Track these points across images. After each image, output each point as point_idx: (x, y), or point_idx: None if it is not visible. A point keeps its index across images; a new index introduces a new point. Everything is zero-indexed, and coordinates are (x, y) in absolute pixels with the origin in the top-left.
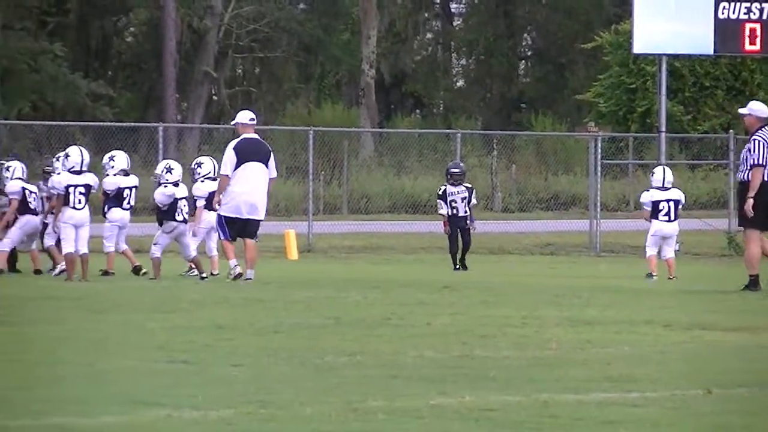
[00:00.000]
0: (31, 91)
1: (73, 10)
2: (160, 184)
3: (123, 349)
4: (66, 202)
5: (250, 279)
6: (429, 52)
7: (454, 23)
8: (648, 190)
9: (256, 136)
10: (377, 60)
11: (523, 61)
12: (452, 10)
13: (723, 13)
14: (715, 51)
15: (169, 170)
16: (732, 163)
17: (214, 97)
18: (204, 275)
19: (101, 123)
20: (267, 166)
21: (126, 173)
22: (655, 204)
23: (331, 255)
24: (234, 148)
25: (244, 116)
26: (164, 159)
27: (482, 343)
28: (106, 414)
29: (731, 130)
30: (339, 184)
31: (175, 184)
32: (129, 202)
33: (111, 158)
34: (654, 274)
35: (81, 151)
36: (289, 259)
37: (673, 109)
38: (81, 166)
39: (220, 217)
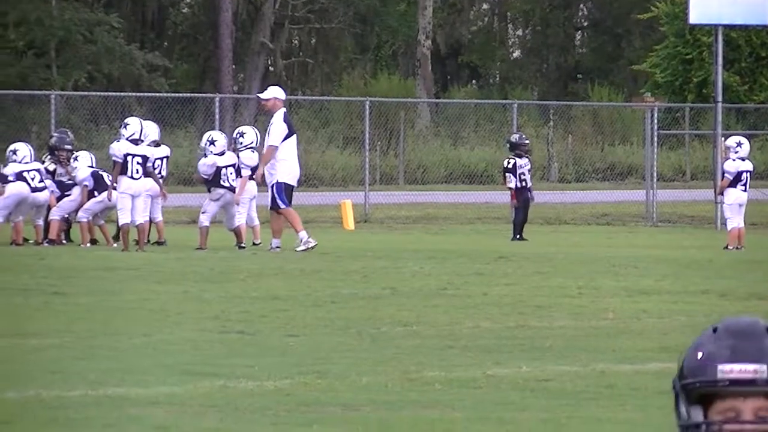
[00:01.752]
0: (87, 62)
1: None
2: (205, 156)
3: (180, 320)
4: (123, 171)
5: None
6: (485, 23)
7: None
8: (733, 160)
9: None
10: (433, 30)
11: (579, 32)
12: None
13: None
14: None
15: (212, 142)
16: None
17: (271, 68)
18: (243, 245)
19: (157, 94)
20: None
21: (157, 143)
22: (738, 174)
23: (387, 225)
24: (285, 120)
25: (281, 92)
26: (219, 130)
27: (538, 313)
28: (163, 384)
29: None
30: (395, 155)
31: (220, 154)
32: (160, 172)
33: (124, 125)
34: (740, 247)
35: (140, 121)
36: (345, 230)
37: (730, 80)
38: (140, 136)
39: (280, 185)
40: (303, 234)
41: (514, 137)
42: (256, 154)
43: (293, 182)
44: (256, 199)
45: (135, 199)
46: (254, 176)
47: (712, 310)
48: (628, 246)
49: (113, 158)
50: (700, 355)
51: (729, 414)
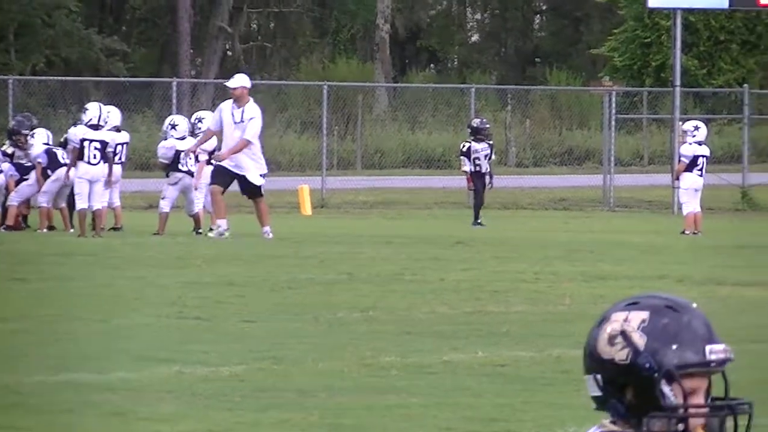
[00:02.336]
0: (45, 46)
1: None
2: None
3: (136, 306)
4: (80, 157)
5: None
6: (444, 6)
7: None
8: (689, 144)
9: None
10: (392, 14)
11: (538, 16)
12: None
13: None
14: (730, 5)
15: (174, 126)
16: (746, 117)
17: (229, 53)
18: (200, 231)
19: (115, 78)
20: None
21: (117, 129)
22: (695, 158)
23: (344, 210)
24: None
25: (248, 80)
26: (178, 114)
27: (495, 298)
28: (120, 370)
29: (746, 85)
30: (353, 140)
31: (181, 138)
32: (121, 158)
33: (84, 110)
34: (696, 231)
35: (100, 106)
36: (303, 215)
37: (688, 64)
38: (98, 121)
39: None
40: (222, 222)
41: (475, 122)
42: (214, 138)
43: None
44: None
45: (93, 185)
46: (212, 159)
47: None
48: (585, 231)
49: (70, 143)
50: (684, 336)
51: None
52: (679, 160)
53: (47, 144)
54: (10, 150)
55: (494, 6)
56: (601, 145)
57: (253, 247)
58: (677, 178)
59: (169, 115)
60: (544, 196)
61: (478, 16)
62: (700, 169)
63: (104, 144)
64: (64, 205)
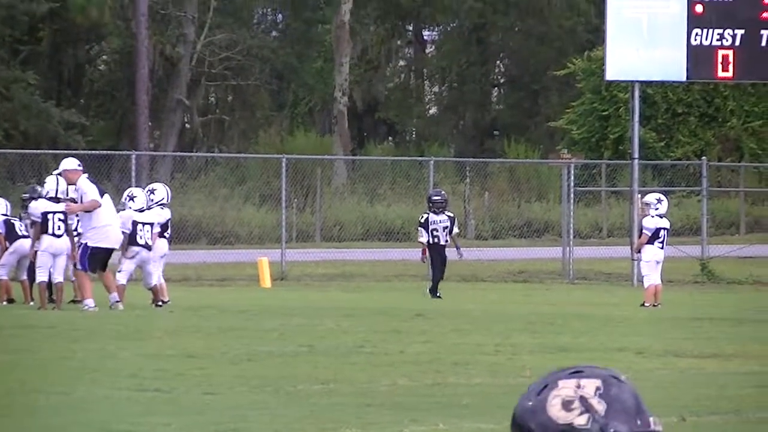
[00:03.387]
0: (4, 119)
1: (45, 39)
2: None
3: (97, 378)
4: (44, 230)
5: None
6: (402, 80)
7: (427, 50)
8: (652, 216)
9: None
10: (350, 87)
11: (496, 88)
12: (425, 37)
13: (696, 40)
14: (687, 77)
15: (132, 198)
16: (705, 189)
17: (187, 125)
18: (159, 303)
19: (74, 151)
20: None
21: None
22: (656, 231)
23: (304, 283)
24: (92, 181)
25: (74, 162)
26: (137, 187)
27: (455, 370)
28: None
29: (704, 157)
30: (312, 212)
31: (139, 210)
32: (59, 228)
33: (42, 183)
34: (656, 304)
35: (57, 178)
36: (262, 287)
37: (646, 136)
38: (56, 194)
39: (93, 248)
40: (91, 301)
41: (431, 192)
42: (166, 210)
43: (110, 246)
44: (166, 257)
45: (56, 258)
46: (164, 233)
47: (629, 367)
48: (545, 303)
49: (32, 218)
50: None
51: None
52: (641, 233)
53: (5, 215)
54: None
55: (452, 79)
56: (560, 217)
57: (213, 319)
58: (638, 251)
59: (128, 187)
60: (504, 268)
61: (436, 89)
62: (662, 242)
63: (66, 215)
64: (24, 277)
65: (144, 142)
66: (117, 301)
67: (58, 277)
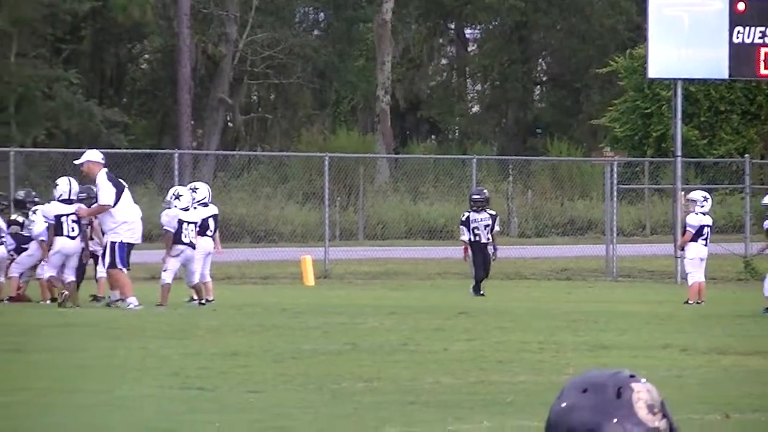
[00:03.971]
0: (46, 118)
1: (87, 38)
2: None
3: (139, 376)
4: (59, 232)
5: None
6: (444, 78)
7: (469, 49)
8: (697, 214)
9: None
10: (392, 86)
11: (538, 87)
12: (467, 35)
13: (738, 38)
14: (730, 75)
15: (178, 197)
16: (748, 187)
17: (230, 124)
18: (203, 301)
19: (116, 150)
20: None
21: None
22: (700, 228)
23: (347, 281)
24: (109, 179)
25: (96, 154)
26: (179, 185)
27: (499, 368)
28: None
29: (747, 155)
30: (355, 210)
31: (185, 209)
32: (73, 230)
33: (55, 186)
34: (700, 301)
35: (69, 180)
36: (305, 285)
37: (689, 134)
38: (69, 195)
39: (122, 244)
40: (135, 299)
41: (472, 191)
42: (210, 207)
43: (137, 241)
44: (211, 256)
45: (68, 258)
46: (206, 232)
47: (673, 364)
48: (588, 301)
49: (45, 221)
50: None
51: None
52: (685, 230)
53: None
54: (20, 219)
55: (494, 77)
56: (603, 215)
57: (256, 317)
58: (682, 248)
59: (171, 186)
60: (547, 266)
61: (478, 87)
62: (705, 239)
63: (79, 217)
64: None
65: (186, 140)
66: (118, 300)
67: (69, 276)
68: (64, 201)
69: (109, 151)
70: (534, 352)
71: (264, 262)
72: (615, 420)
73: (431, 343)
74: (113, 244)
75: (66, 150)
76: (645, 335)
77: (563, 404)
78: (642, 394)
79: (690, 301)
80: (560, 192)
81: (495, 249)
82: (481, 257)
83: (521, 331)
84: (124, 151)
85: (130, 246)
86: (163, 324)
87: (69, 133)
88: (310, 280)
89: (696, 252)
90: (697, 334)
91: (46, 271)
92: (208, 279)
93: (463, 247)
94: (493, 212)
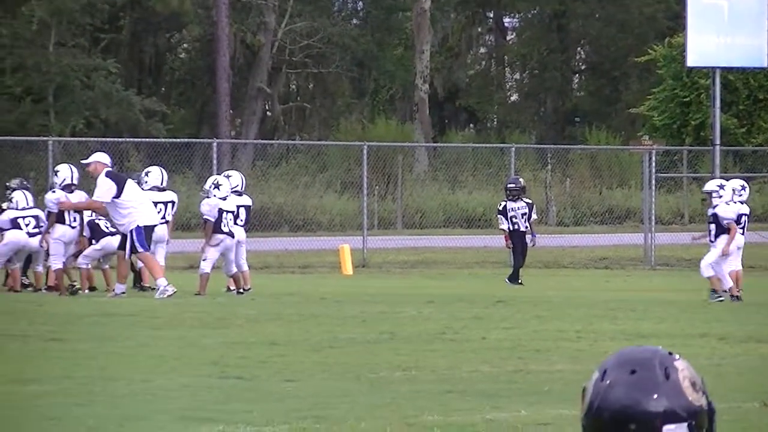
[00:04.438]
0: (85, 107)
1: (126, 27)
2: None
3: (178, 366)
4: (61, 220)
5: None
6: (482, 67)
7: (508, 37)
8: (727, 203)
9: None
10: (431, 75)
11: (577, 75)
12: (505, 24)
13: None
14: None
15: (217, 186)
16: None
17: (268, 113)
18: (241, 290)
19: (155, 139)
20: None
21: (159, 189)
22: (738, 217)
23: (385, 270)
24: (107, 176)
25: (104, 156)
26: (218, 175)
27: (537, 357)
28: (162, 430)
29: None
30: (393, 199)
31: (224, 198)
32: (75, 219)
33: (55, 173)
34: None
35: (71, 168)
36: (343, 274)
37: (727, 122)
38: (72, 181)
39: (139, 228)
40: (162, 281)
41: (508, 180)
42: (244, 197)
43: (149, 222)
44: (245, 245)
45: (67, 246)
46: (237, 221)
47: (711, 353)
48: (626, 289)
49: (48, 209)
50: None
51: None
52: (718, 226)
53: (90, 217)
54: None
55: (533, 66)
56: (642, 203)
57: (294, 306)
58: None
59: (210, 175)
60: (585, 255)
61: (517, 76)
62: (743, 228)
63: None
64: (107, 266)
65: (225, 130)
66: (123, 293)
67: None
68: (65, 188)
69: (148, 140)
70: (572, 340)
71: (302, 252)
72: (665, 399)
73: (469, 331)
74: (130, 231)
75: (105, 139)
76: (683, 324)
77: (608, 382)
78: (685, 372)
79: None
80: (599, 181)
81: (534, 236)
82: (520, 246)
83: (559, 319)
84: (163, 140)
85: (148, 228)
86: (202, 313)
87: (108, 123)
88: (348, 269)
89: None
90: (735, 323)
91: (81, 261)
92: (245, 268)
93: (504, 235)
94: (530, 200)
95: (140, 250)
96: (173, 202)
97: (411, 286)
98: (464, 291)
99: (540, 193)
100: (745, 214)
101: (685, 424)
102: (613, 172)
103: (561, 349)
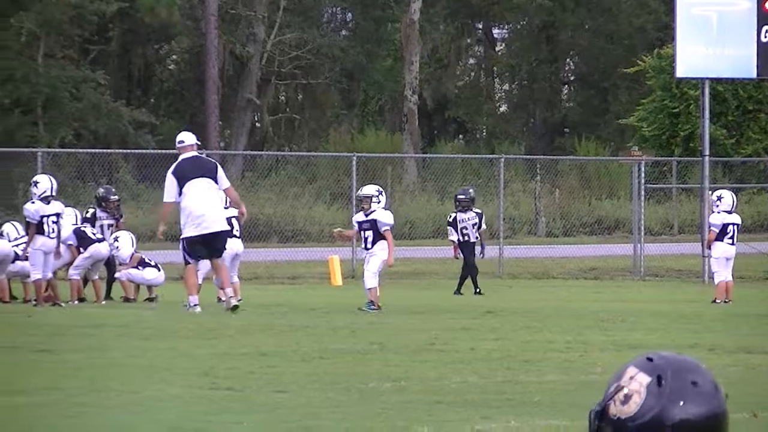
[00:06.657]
0: (74, 119)
1: (115, 39)
2: None
3: (168, 377)
4: (41, 231)
5: (237, 305)
6: (471, 78)
7: (497, 48)
8: (719, 213)
9: (194, 153)
10: (420, 86)
11: (566, 86)
12: (495, 35)
13: (766, 37)
14: (758, 74)
15: None
16: None
17: (257, 124)
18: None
19: (144, 150)
20: (215, 180)
21: (48, 200)
22: (724, 227)
23: None
24: (172, 173)
25: (177, 138)
26: None
27: (526, 367)
28: None
29: None
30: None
31: None
32: (53, 230)
33: (35, 183)
34: (728, 300)
35: (50, 178)
36: (333, 285)
37: (717, 133)
38: (51, 193)
39: (182, 241)
40: (194, 299)
41: (458, 192)
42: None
43: (196, 233)
44: (239, 257)
45: (47, 255)
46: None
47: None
48: (616, 300)
49: (27, 219)
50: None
51: None
52: (709, 230)
53: (75, 224)
54: (104, 216)
55: (522, 77)
56: (631, 214)
57: (284, 317)
58: (709, 247)
59: None
60: (574, 265)
61: (506, 86)
62: (731, 238)
63: (58, 216)
64: (96, 277)
65: (214, 141)
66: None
67: (49, 273)
68: (43, 199)
69: (137, 151)
70: (561, 351)
71: (291, 262)
72: (725, 414)
73: (458, 342)
74: (180, 241)
75: (94, 150)
76: (673, 334)
77: (681, 403)
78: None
79: (717, 300)
80: (588, 191)
81: (483, 247)
82: (471, 257)
83: (549, 330)
84: (152, 151)
85: (191, 240)
86: (192, 324)
87: (97, 134)
88: (337, 280)
89: (721, 251)
90: (725, 334)
91: (72, 272)
92: (236, 279)
93: (453, 246)
94: (479, 211)
95: (188, 261)
96: (59, 214)
97: (400, 297)
98: (453, 302)
99: (529, 204)
100: (734, 224)
101: None
102: (602, 182)
103: (550, 360)
